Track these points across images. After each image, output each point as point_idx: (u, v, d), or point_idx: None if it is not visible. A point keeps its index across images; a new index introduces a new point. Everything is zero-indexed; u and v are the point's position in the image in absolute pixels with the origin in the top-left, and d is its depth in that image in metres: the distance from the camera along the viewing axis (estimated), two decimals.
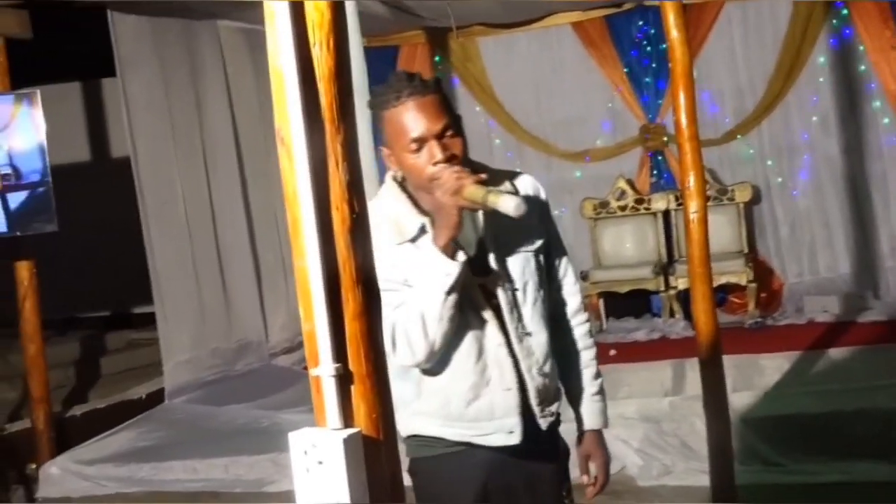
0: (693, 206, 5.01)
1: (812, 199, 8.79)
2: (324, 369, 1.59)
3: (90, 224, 9.10)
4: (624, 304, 8.85)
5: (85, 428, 6.81)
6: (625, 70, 9.05)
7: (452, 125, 2.58)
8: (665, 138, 8.92)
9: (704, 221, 5.04)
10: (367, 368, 1.61)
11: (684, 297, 8.48)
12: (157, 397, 7.36)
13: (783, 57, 8.62)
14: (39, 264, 6.48)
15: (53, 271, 7.73)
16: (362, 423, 1.61)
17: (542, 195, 2.80)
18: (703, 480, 5.19)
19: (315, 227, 1.57)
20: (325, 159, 1.59)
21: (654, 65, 8.96)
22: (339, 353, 1.59)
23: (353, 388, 1.61)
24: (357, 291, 1.60)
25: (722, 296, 8.65)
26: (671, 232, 8.81)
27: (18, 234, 5.86)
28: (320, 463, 1.57)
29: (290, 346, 8.59)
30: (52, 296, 7.15)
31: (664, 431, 5.69)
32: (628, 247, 8.87)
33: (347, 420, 1.60)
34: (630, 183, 8.99)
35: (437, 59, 9.49)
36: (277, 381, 7.85)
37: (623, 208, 8.92)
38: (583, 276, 8.68)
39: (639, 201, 8.90)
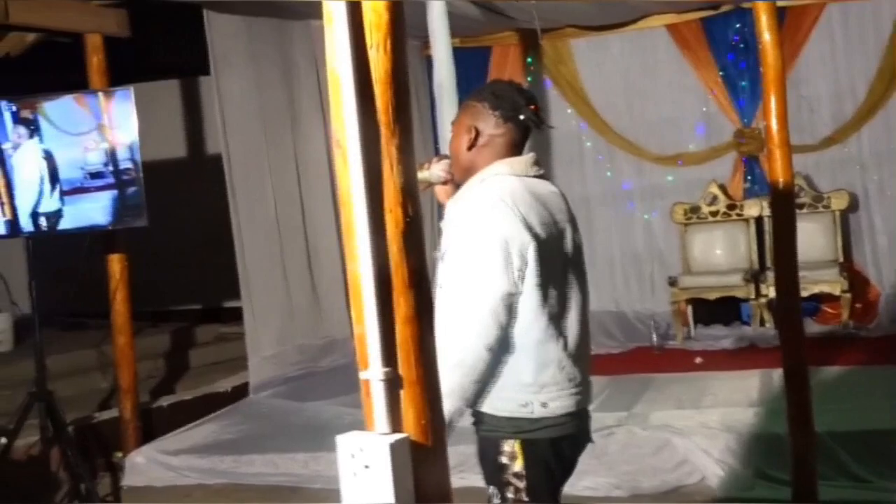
0: (781, 213, 4.90)
1: None
2: (373, 373, 1.58)
3: (185, 219, 9.29)
4: (713, 311, 8.71)
5: (171, 418, 6.93)
6: (720, 73, 8.91)
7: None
8: (760, 143, 8.74)
9: (793, 230, 4.92)
10: (417, 373, 1.60)
11: (776, 306, 8.32)
12: (242, 391, 7.46)
13: (885, 60, 8.40)
14: (135, 258, 6.61)
15: (149, 265, 7.90)
16: (411, 429, 1.60)
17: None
18: (786, 494, 5.09)
19: (368, 230, 1.56)
20: (379, 163, 1.59)
21: (749, 68, 8.79)
22: (389, 357, 1.58)
23: (402, 392, 1.60)
24: (409, 295, 1.59)
25: (815, 305, 8.48)
26: (763, 239, 8.63)
27: (111, 228, 5.98)
28: (367, 467, 1.57)
29: None
30: (146, 289, 7.30)
31: (747, 442, 5.57)
32: (719, 253, 8.73)
33: (396, 425, 1.59)
34: (723, 188, 8.85)
35: (529, 60, 9.46)
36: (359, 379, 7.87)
37: (714, 213, 8.78)
38: (671, 282, 8.59)
39: (731, 207, 8.75)
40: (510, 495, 2.78)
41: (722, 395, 6.52)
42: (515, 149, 2.91)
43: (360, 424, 5.34)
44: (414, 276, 1.60)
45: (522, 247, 2.68)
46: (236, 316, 9.45)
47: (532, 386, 2.74)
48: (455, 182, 3.05)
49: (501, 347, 2.71)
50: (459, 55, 7.40)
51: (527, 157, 2.93)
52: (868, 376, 6.67)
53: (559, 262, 2.80)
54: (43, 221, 5.76)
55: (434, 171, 3.15)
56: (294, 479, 6.11)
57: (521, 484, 2.77)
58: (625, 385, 7.10)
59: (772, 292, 8.22)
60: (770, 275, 8.28)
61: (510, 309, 2.66)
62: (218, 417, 7.03)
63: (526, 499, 2.77)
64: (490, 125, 2.87)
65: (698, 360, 7.71)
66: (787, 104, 4.92)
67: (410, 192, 1.59)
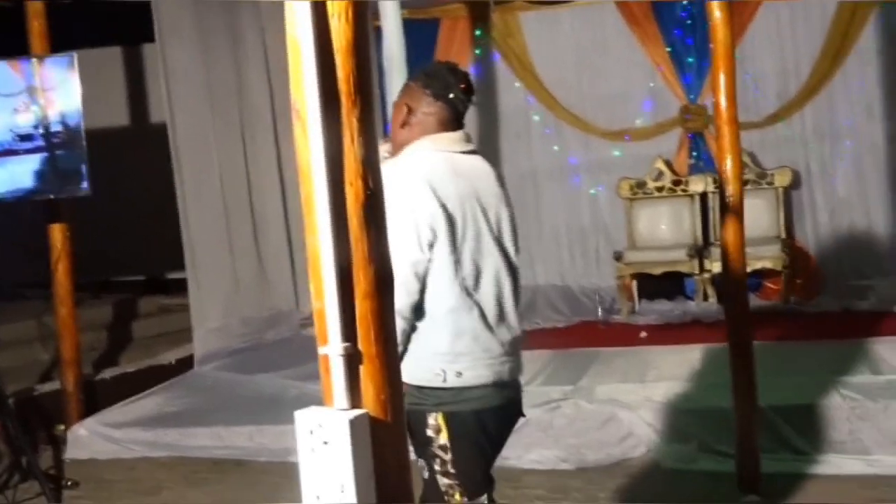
0: (729, 190, 4.94)
1: (853, 186, 8.65)
2: (332, 348, 1.56)
3: (129, 188, 9.14)
4: (657, 285, 8.77)
5: (114, 391, 6.85)
6: (667, 49, 8.94)
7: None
8: (705, 120, 8.80)
9: (740, 206, 4.96)
10: (377, 349, 1.58)
11: (719, 281, 8.40)
12: (186, 363, 7.39)
13: (830, 39, 8.49)
14: (77, 227, 6.49)
15: (91, 235, 7.77)
16: (370, 405, 1.58)
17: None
18: (729, 466, 5.14)
19: (328, 204, 1.53)
20: (339, 134, 1.55)
21: (697, 45, 8.83)
22: (349, 332, 1.56)
23: (361, 368, 1.58)
24: (369, 270, 1.57)
25: (757, 280, 8.56)
26: (707, 214, 8.70)
27: (52, 196, 5.86)
28: (325, 443, 1.54)
29: None
30: (89, 259, 7.18)
31: (691, 416, 5.62)
32: (664, 228, 8.79)
33: (355, 401, 1.57)
34: (668, 164, 8.89)
35: (477, 32, 9.40)
36: (307, 352, 7.71)
37: (660, 189, 8.83)
38: (616, 257, 8.63)
39: (676, 182, 8.81)
40: (437, 468, 2.84)
41: (666, 369, 6.56)
42: (445, 126, 2.96)
43: (305, 397, 5.30)
44: (374, 250, 1.57)
45: (431, 218, 2.74)
46: (180, 287, 9.35)
47: (447, 355, 2.80)
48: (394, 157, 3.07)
49: (415, 315, 2.78)
50: (408, 27, 7.36)
51: (455, 134, 2.98)
52: (808, 351, 6.75)
53: (477, 235, 2.84)
54: None
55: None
56: (239, 451, 6.08)
57: (447, 456, 2.82)
58: (570, 359, 7.13)
59: (716, 268, 8.30)
60: (714, 250, 8.36)
61: (418, 277, 2.74)
62: (162, 390, 6.96)
63: (452, 471, 2.82)
64: (422, 104, 2.95)
65: (643, 334, 7.76)
66: (735, 81, 4.94)
67: (371, 164, 1.56)
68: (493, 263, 2.87)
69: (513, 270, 2.94)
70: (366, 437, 1.54)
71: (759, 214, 8.38)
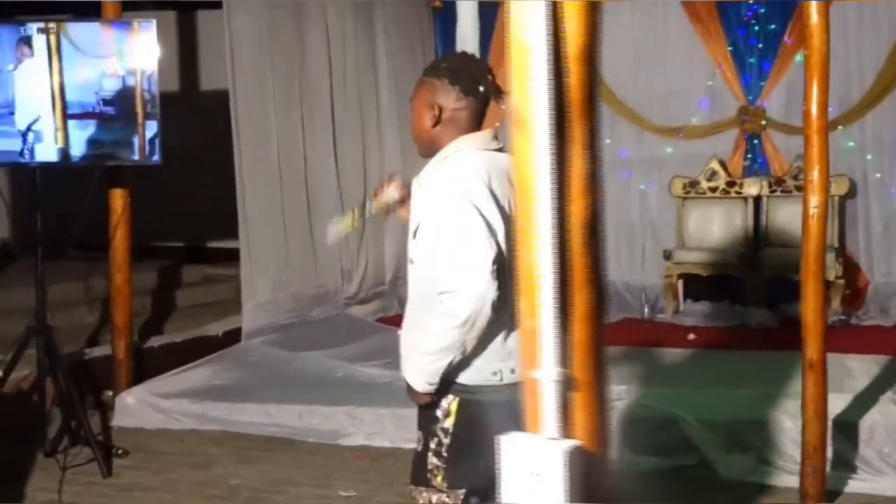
0: (814, 200, 4.84)
1: None
2: (546, 373, 1.46)
3: (171, 154, 9.02)
4: (702, 286, 8.65)
5: (161, 360, 6.78)
6: (729, 48, 8.78)
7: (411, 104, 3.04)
8: (763, 122, 8.67)
9: (824, 217, 4.86)
10: (591, 376, 1.48)
11: (768, 286, 8.30)
12: (232, 336, 7.31)
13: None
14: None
15: (132, 198, 7.67)
16: (580, 435, 1.48)
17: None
18: (789, 481, 5.05)
19: (551, 220, 1.43)
20: (565, 146, 1.45)
21: (759, 45, 8.70)
22: (564, 357, 1.46)
23: (572, 395, 1.48)
24: (587, 291, 1.47)
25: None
26: (760, 218, 8.58)
27: (125, 163, 5.79)
28: (536, 474, 1.44)
29: (365, 297, 8.52)
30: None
31: (749, 426, 5.51)
32: (715, 230, 8.66)
33: (566, 430, 1.47)
34: (723, 164, 8.76)
35: None
36: (352, 332, 7.78)
37: (714, 189, 8.70)
38: (666, 256, 8.52)
39: (730, 184, 8.67)
40: (432, 446, 2.86)
41: (718, 374, 6.44)
42: (476, 121, 2.95)
43: (352, 379, 5.22)
44: (593, 271, 1.47)
45: (494, 216, 2.73)
46: (220, 257, 9.31)
47: (501, 353, 2.81)
48: (420, 154, 3.06)
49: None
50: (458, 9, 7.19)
51: (487, 132, 2.96)
52: (864, 366, 6.62)
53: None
54: (50, 147, 5.52)
55: (389, 193, 3.19)
56: (288, 430, 6.00)
57: (446, 440, 2.84)
58: (617, 357, 7.02)
59: (767, 272, 8.20)
60: (766, 254, 8.25)
61: (495, 275, 2.70)
62: (210, 362, 6.88)
63: (445, 454, 2.84)
64: (451, 100, 2.90)
65: (691, 336, 7.66)
66: (829, 90, 4.82)
67: (597, 180, 1.46)
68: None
69: None
70: (580, 470, 1.43)
71: None
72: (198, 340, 7.18)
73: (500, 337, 2.80)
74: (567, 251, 1.45)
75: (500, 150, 2.95)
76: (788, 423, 5.39)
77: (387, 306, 8.63)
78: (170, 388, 6.41)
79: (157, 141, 5.57)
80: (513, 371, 2.77)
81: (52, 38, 5.35)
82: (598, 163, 1.47)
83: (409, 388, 2.88)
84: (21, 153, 5.48)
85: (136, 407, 6.25)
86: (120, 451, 5.65)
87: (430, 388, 2.81)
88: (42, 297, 5.54)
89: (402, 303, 8.68)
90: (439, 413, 2.85)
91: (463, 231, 2.70)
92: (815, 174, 4.80)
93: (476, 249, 2.67)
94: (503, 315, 2.71)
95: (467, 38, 6.35)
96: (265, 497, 5.11)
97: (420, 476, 2.90)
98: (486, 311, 2.68)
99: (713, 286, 8.63)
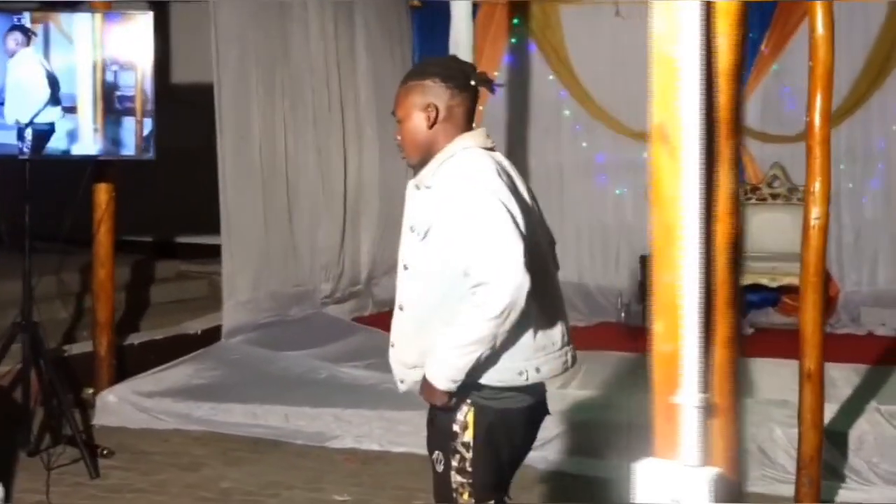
0: (815, 212, 4.86)
1: (881, 208, 8.61)
2: (688, 398, 1.41)
3: None
4: None
5: (141, 357, 6.64)
6: None
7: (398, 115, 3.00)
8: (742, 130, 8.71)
9: (825, 229, 4.87)
10: (730, 402, 1.44)
11: (742, 294, 8.34)
12: (212, 334, 7.19)
13: (871, 60, 8.41)
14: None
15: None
16: (718, 462, 1.44)
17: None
18: (781, 490, 5.06)
19: (698, 241, 1.38)
20: (713, 164, 1.41)
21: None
22: (705, 381, 1.41)
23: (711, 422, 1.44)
24: (729, 315, 1.43)
25: (776, 297, 8.52)
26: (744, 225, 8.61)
27: (117, 158, 5.66)
28: (674, 501, 1.40)
29: (341, 296, 8.44)
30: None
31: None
32: None
33: (705, 457, 1.42)
34: None
35: (515, 21, 9.23)
36: (330, 331, 7.69)
37: None
38: (643, 261, 8.54)
39: None
40: (454, 464, 2.80)
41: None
42: (471, 117, 2.93)
43: (335, 380, 5.14)
44: (735, 295, 1.43)
45: (516, 211, 2.71)
46: (191, 253, 9.17)
47: (527, 351, 2.75)
48: (412, 165, 3.01)
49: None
50: (444, 8, 7.14)
51: (482, 131, 2.96)
52: (844, 375, 6.66)
53: (533, 229, 2.80)
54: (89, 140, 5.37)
55: None
56: (275, 432, 5.91)
57: (468, 455, 2.79)
58: (599, 361, 7.01)
59: (746, 279, 8.24)
60: (747, 264, 8.29)
61: (526, 268, 2.64)
62: (191, 360, 6.75)
63: (469, 469, 2.78)
64: (446, 98, 2.87)
65: None
66: (832, 102, 4.83)
67: (739, 201, 1.42)
68: (546, 257, 2.88)
69: (556, 264, 2.99)
70: (725, 497, 1.39)
71: (786, 229, 8.31)
72: (177, 338, 7.05)
73: (528, 335, 2.74)
74: (711, 273, 1.40)
75: (492, 149, 2.94)
76: (779, 432, 5.42)
77: (362, 306, 8.57)
78: (152, 387, 6.29)
79: (152, 136, 5.44)
80: (538, 370, 2.77)
81: (54, 26, 5.22)
82: (738, 184, 1.42)
83: (425, 387, 2.79)
84: (19, 147, 5.31)
85: (117, 405, 6.12)
86: (105, 452, 5.52)
87: (453, 387, 2.72)
88: (29, 292, 5.39)
89: (376, 303, 8.72)
90: (456, 428, 2.79)
91: (493, 223, 2.65)
92: (817, 185, 4.82)
93: (508, 241, 2.63)
94: (528, 313, 2.68)
95: (461, 39, 6.29)
96: (258, 500, 5.02)
97: (445, 496, 2.83)
98: (521, 303, 2.62)
99: None
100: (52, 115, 5.36)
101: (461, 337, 2.67)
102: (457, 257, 2.70)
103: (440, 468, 2.83)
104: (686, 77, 1.38)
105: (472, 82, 2.88)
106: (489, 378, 2.76)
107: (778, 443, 5.38)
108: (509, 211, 2.68)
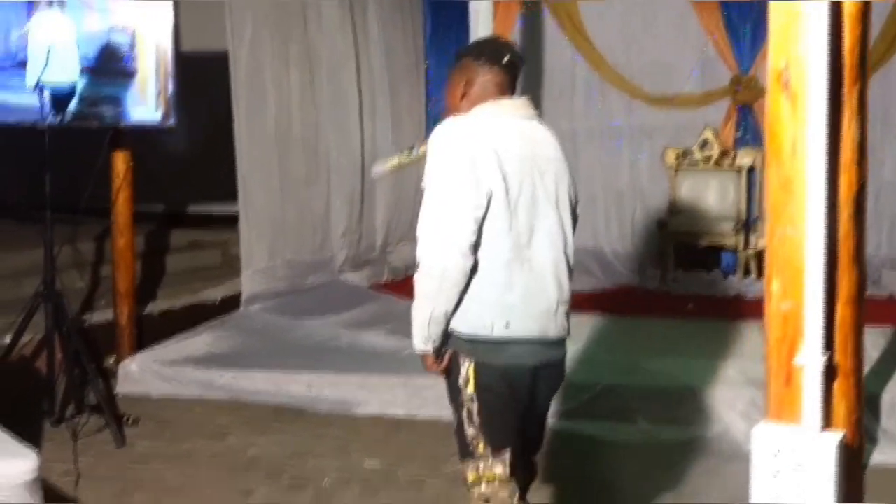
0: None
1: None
2: (811, 359, 1.33)
3: None
4: (693, 257, 8.61)
5: (161, 327, 6.57)
6: (723, 15, 8.68)
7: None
8: (756, 92, 8.61)
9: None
10: (854, 363, 1.36)
11: (760, 257, 8.28)
12: (231, 302, 7.12)
13: (889, 21, 8.28)
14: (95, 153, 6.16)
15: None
16: (840, 426, 1.36)
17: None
18: None
19: (824, 193, 1.30)
20: (839, 112, 1.32)
21: (753, 14, 8.58)
22: (829, 342, 1.34)
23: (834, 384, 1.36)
24: (853, 272, 1.35)
25: None
26: (753, 189, 8.53)
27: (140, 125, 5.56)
28: (799, 466, 1.32)
29: (357, 263, 8.37)
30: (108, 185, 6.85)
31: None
32: (708, 200, 8.60)
33: (828, 421, 1.35)
34: (715, 134, 8.68)
35: None
36: (348, 298, 7.63)
37: (707, 160, 8.63)
38: (660, 225, 8.47)
39: (723, 154, 8.61)
40: (464, 417, 2.91)
41: (730, 346, 6.38)
42: (503, 90, 3.05)
43: (356, 347, 5.08)
44: (860, 250, 1.35)
45: (488, 169, 2.81)
46: (200, 222, 9.10)
47: (496, 306, 2.86)
48: None
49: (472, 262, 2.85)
50: None
51: (519, 100, 3.07)
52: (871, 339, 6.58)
53: (533, 196, 2.90)
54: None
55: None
56: (298, 399, 5.85)
57: (474, 406, 2.89)
58: (618, 327, 6.97)
59: (761, 244, 8.17)
60: (762, 226, 8.22)
61: (476, 220, 2.79)
62: (211, 329, 6.69)
63: (477, 420, 2.89)
64: (478, 73, 3.04)
65: (690, 305, 7.61)
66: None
67: (865, 151, 1.33)
68: (547, 225, 2.93)
69: (566, 236, 3.01)
70: (845, 463, 1.32)
71: None
72: (196, 307, 6.98)
73: (495, 292, 2.84)
74: (835, 228, 1.32)
75: (534, 118, 3.07)
76: None
77: (378, 273, 8.50)
78: (173, 355, 6.22)
79: (173, 103, 5.34)
80: (507, 325, 2.85)
81: None
82: (866, 134, 1.34)
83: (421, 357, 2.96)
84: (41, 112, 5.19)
85: (140, 374, 6.06)
86: (131, 421, 5.46)
87: (427, 349, 2.87)
88: (51, 262, 5.31)
89: (392, 270, 8.65)
90: (461, 382, 2.89)
91: (445, 177, 2.82)
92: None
93: (453, 196, 2.78)
94: (500, 268, 2.83)
95: (480, 7, 6.23)
96: (287, 468, 4.95)
97: (464, 450, 2.94)
98: (455, 267, 2.77)
99: (703, 256, 8.59)
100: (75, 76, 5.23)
101: (414, 296, 2.86)
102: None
103: (455, 424, 2.96)
104: (812, 19, 1.29)
105: (504, 59, 3.04)
106: (461, 326, 2.87)
107: None
108: (475, 169, 2.80)
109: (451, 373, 2.93)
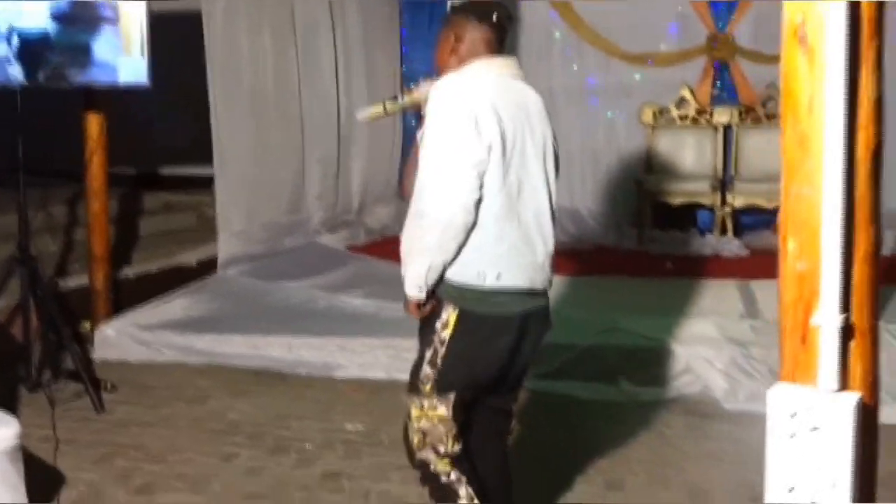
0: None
1: None
2: (828, 319, 1.31)
3: None
4: (669, 216, 8.61)
5: (137, 291, 6.51)
6: None
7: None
8: (732, 49, 8.59)
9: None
10: (870, 323, 1.34)
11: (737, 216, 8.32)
12: (207, 266, 7.06)
13: None
14: (68, 114, 6.06)
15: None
16: (857, 386, 1.34)
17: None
18: None
19: (841, 151, 1.28)
20: (857, 68, 1.29)
21: None
22: (846, 301, 1.32)
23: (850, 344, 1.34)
24: (870, 232, 1.33)
25: (772, 218, 8.46)
26: (730, 147, 8.53)
27: (112, 84, 5.44)
28: (815, 429, 1.31)
29: (333, 225, 8.32)
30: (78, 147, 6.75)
31: (751, 356, 5.47)
32: (685, 158, 8.60)
33: (844, 382, 1.33)
34: (692, 92, 8.67)
35: None
36: (325, 261, 7.58)
37: (683, 118, 8.62)
38: (637, 184, 8.46)
39: (700, 112, 8.60)
40: (428, 355, 3.00)
41: (707, 304, 6.40)
42: (492, 47, 3.10)
43: (335, 310, 5.06)
44: (876, 209, 1.32)
45: (489, 124, 2.87)
46: (173, 185, 9.02)
47: (489, 256, 2.92)
48: None
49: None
50: None
51: (507, 60, 3.14)
52: None
53: (523, 152, 2.97)
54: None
55: (423, 89, 3.24)
56: (278, 363, 5.81)
57: (441, 350, 2.98)
58: (596, 287, 6.96)
59: (737, 202, 8.20)
60: (738, 184, 8.24)
61: (479, 177, 2.86)
62: (189, 293, 6.63)
63: (439, 364, 2.97)
64: (467, 29, 3.08)
65: (669, 264, 7.61)
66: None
67: (881, 108, 1.31)
68: (534, 182, 3.00)
69: (550, 191, 3.09)
70: (861, 425, 1.30)
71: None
72: (172, 271, 6.93)
73: (489, 243, 2.91)
74: (853, 186, 1.30)
75: (520, 79, 3.13)
76: None
77: (355, 235, 8.45)
78: (151, 320, 6.16)
79: (148, 63, 5.25)
80: (498, 277, 2.92)
81: None
82: (882, 91, 1.31)
83: (404, 301, 3.00)
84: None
85: (117, 339, 6.00)
86: (109, 387, 5.41)
87: (421, 295, 2.93)
88: (26, 226, 5.23)
89: (368, 232, 8.60)
90: (438, 324, 2.97)
91: (448, 132, 2.87)
92: None
93: (457, 150, 2.84)
94: (493, 221, 2.89)
95: None
96: (268, 431, 4.92)
97: (413, 385, 3.04)
98: (458, 219, 2.84)
99: (678, 215, 8.60)
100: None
101: (412, 246, 2.92)
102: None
103: (415, 360, 3.05)
104: None
105: (495, 16, 3.08)
106: (452, 275, 2.93)
107: None
108: (477, 123, 2.85)
109: (429, 315, 3.00)
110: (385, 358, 5.71)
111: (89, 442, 4.79)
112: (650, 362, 5.54)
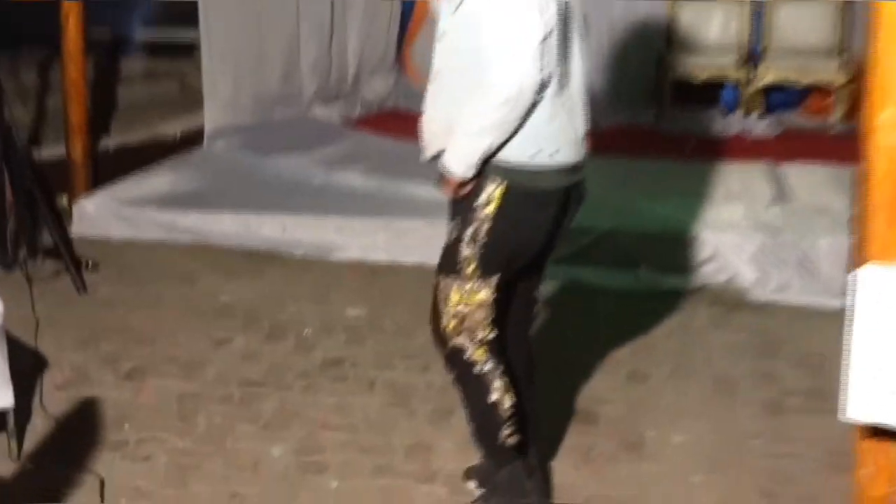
0: None
1: None
2: None
3: None
4: (690, 93, 8.51)
5: (117, 164, 6.46)
6: None
7: None
8: None
9: None
10: None
11: (766, 94, 8.25)
12: (192, 137, 7.01)
13: None
14: None
15: None
16: None
17: None
18: (824, 302, 5.01)
19: None
20: None
21: None
22: None
23: None
24: None
25: (801, 95, 8.39)
26: (759, 20, 8.38)
27: None
28: None
29: (327, 96, 8.22)
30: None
31: (782, 244, 5.46)
32: (710, 31, 8.45)
33: None
34: None
35: None
36: (318, 135, 7.50)
37: None
38: (657, 59, 8.35)
39: None
40: (468, 234, 2.99)
41: (734, 188, 6.35)
42: None
43: (330, 187, 5.05)
44: None
45: (550, 3, 2.85)
46: (152, 51, 8.91)
47: (545, 133, 2.92)
48: None
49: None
50: None
51: None
52: None
53: (570, 29, 2.98)
54: None
55: None
56: (271, 243, 5.81)
57: (485, 226, 2.97)
58: (614, 168, 6.89)
59: (767, 78, 8.11)
60: (767, 59, 8.14)
61: (546, 56, 2.83)
62: (173, 167, 6.59)
63: (483, 239, 2.97)
64: None
65: (693, 143, 7.54)
66: None
67: None
68: (579, 57, 3.04)
69: (587, 64, 3.12)
70: None
71: (816, 23, 8.16)
72: (154, 143, 6.87)
73: (544, 120, 2.90)
74: None
75: None
76: (822, 241, 5.37)
77: (349, 107, 8.34)
78: (133, 195, 6.14)
79: None
80: (552, 154, 2.94)
81: None
82: None
83: (442, 180, 3.01)
84: None
85: (96, 215, 5.98)
86: (90, 265, 5.40)
87: (469, 172, 2.93)
88: None
89: (365, 104, 8.51)
90: (480, 201, 2.96)
91: (512, 5, 2.82)
92: None
93: (524, 26, 2.80)
94: (549, 98, 2.88)
95: None
96: (264, 315, 4.93)
97: (450, 265, 3.03)
98: (527, 95, 2.82)
99: (704, 93, 8.50)
100: None
101: (471, 124, 2.89)
102: (480, 37, 2.88)
103: (452, 237, 3.04)
104: None
105: None
106: (506, 155, 2.93)
107: (821, 252, 5.33)
108: (530, 11, 2.82)
109: (468, 193, 3.00)
110: (385, 240, 5.71)
111: (72, 323, 4.80)
112: (674, 249, 5.53)
